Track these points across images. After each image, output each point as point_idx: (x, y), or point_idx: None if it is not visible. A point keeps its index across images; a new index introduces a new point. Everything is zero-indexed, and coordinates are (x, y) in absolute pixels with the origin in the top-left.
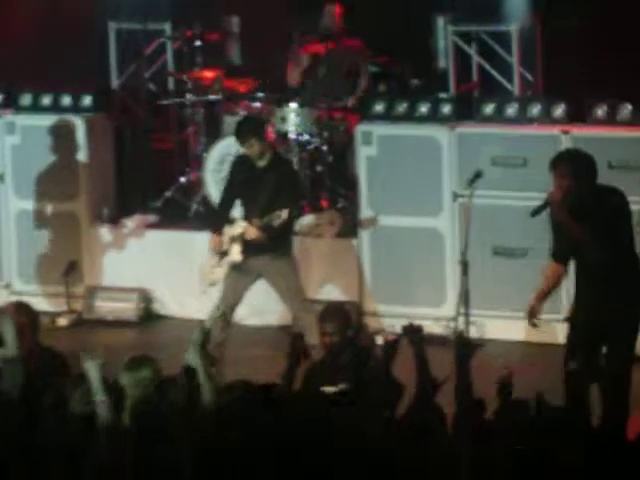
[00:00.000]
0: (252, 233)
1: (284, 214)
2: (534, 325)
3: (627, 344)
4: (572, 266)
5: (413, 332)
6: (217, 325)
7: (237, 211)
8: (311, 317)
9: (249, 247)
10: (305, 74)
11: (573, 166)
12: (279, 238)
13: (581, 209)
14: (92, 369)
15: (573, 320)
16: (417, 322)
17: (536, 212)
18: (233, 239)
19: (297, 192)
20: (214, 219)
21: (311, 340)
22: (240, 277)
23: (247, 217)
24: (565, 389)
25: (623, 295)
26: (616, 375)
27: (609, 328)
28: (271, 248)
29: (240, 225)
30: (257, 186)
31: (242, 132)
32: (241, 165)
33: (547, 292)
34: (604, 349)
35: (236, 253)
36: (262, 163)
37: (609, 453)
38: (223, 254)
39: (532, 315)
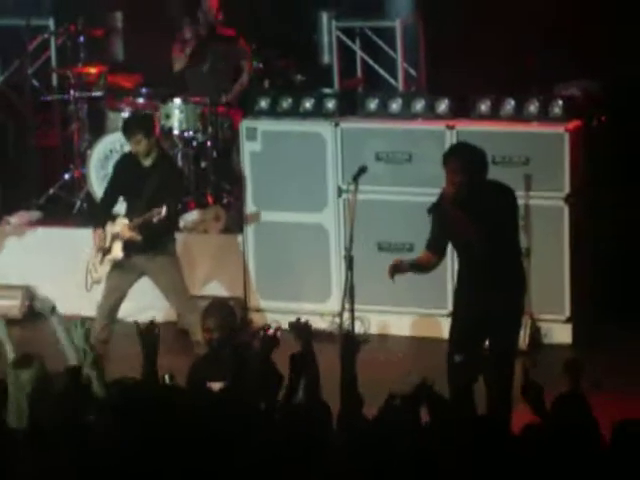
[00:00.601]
0: (126, 232)
1: (163, 211)
2: (391, 276)
3: (510, 337)
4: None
5: (300, 328)
6: (100, 323)
7: (121, 208)
8: (195, 315)
9: (131, 245)
10: (188, 68)
11: (465, 161)
12: (160, 236)
13: (471, 204)
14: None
15: (456, 313)
16: (304, 318)
17: (432, 210)
18: (114, 236)
19: (178, 190)
20: (96, 216)
21: (197, 337)
22: (122, 275)
23: (129, 215)
24: (450, 383)
25: (506, 289)
26: (500, 368)
27: (492, 322)
28: (152, 246)
29: (121, 223)
30: (141, 185)
31: (130, 128)
32: (126, 163)
33: (415, 266)
34: (486, 342)
35: (117, 251)
36: (147, 162)
37: (494, 447)
38: (106, 252)
39: (395, 269)
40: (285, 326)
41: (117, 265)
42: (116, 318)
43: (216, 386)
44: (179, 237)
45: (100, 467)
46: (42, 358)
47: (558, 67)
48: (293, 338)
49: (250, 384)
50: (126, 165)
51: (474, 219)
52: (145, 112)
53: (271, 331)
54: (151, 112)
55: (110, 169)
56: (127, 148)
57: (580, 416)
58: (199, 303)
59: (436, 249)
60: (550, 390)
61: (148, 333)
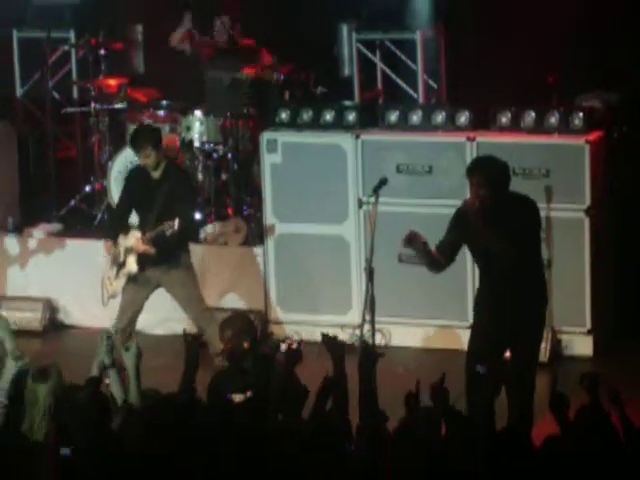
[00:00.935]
0: (140, 246)
1: (175, 224)
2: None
3: (532, 349)
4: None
5: (334, 346)
6: (118, 338)
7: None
8: (213, 326)
9: (145, 258)
10: (209, 83)
11: (488, 175)
12: (174, 248)
13: (494, 215)
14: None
15: (477, 325)
16: (337, 334)
17: (455, 216)
18: (128, 250)
19: (190, 200)
20: (109, 229)
21: (215, 349)
22: (138, 288)
23: (142, 227)
24: (469, 394)
25: (528, 301)
26: (521, 380)
27: (514, 333)
28: (166, 258)
29: (134, 236)
30: (152, 197)
31: (138, 141)
32: (137, 176)
33: (428, 252)
34: (507, 354)
35: (132, 264)
36: (157, 174)
37: (515, 459)
38: (120, 265)
39: (410, 241)
40: (306, 337)
41: (132, 279)
42: (135, 330)
43: (237, 398)
44: (199, 249)
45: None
46: (60, 369)
47: (579, 78)
48: (316, 352)
49: (273, 397)
50: (136, 178)
51: (497, 231)
52: (151, 124)
53: (294, 345)
54: (157, 124)
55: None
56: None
57: (601, 429)
58: (219, 315)
59: (445, 252)
60: (571, 402)
61: (192, 344)
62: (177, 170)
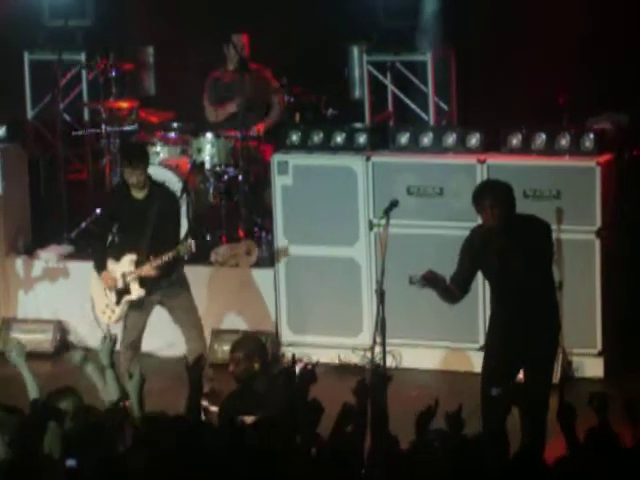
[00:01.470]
0: (149, 271)
1: (193, 246)
2: (418, 283)
3: (545, 372)
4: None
5: (362, 390)
6: (125, 359)
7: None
8: (202, 344)
9: (148, 281)
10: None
11: (498, 194)
12: (172, 271)
13: (508, 236)
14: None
15: (490, 346)
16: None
17: (468, 242)
18: (126, 275)
19: (179, 222)
20: (99, 259)
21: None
22: (141, 312)
23: (135, 251)
24: (484, 416)
25: (541, 323)
26: (536, 401)
27: (526, 355)
28: (167, 282)
29: (131, 261)
30: (140, 219)
31: (136, 157)
32: (119, 197)
33: (444, 288)
34: (520, 375)
35: (138, 290)
36: (141, 194)
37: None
38: (121, 292)
39: (427, 279)
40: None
41: (134, 304)
42: (140, 350)
43: (248, 420)
44: (210, 271)
45: None
46: (76, 391)
47: (589, 100)
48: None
49: (288, 418)
50: (119, 199)
51: (512, 252)
52: (137, 141)
53: (309, 366)
54: (169, 146)
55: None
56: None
57: (610, 450)
58: (230, 337)
59: (460, 283)
60: (582, 423)
61: (195, 367)
62: (164, 189)
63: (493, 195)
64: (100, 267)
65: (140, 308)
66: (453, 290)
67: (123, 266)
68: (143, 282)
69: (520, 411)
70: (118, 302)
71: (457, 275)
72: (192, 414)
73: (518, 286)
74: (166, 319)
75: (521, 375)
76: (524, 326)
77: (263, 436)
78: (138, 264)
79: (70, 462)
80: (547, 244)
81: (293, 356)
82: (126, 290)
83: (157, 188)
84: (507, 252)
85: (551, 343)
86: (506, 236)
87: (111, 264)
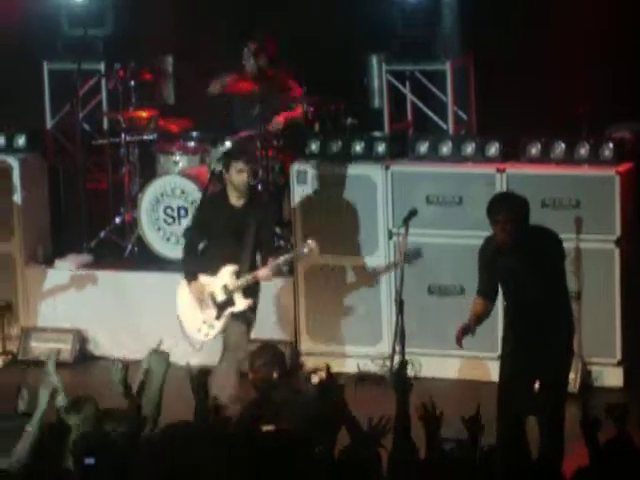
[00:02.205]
0: (265, 275)
1: (313, 246)
2: (460, 344)
3: (559, 380)
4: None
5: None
6: (232, 381)
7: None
8: (231, 381)
9: (250, 292)
10: (239, 112)
11: (513, 209)
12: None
13: (521, 248)
14: (43, 402)
15: (504, 358)
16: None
17: (482, 254)
18: (229, 287)
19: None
20: (190, 267)
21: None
22: (241, 325)
23: (233, 261)
24: (500, 426)
25: (556, 331)
26: (552, 411)
27: (540, 364)
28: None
29: (231, 272)
30: (240, 227)
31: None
32: (214, 204)
33: (478, 320)
34: (536, 385)
35: (243, 301)
36: (241, 201)
37: None
38: (222, 306)
39: (464, 333)
40: (336, 369)
41: (237, 315)
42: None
43: (267, 429)
44: None
45: None
46: (94, 400)
47: (609, 109)
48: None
49: (306, 428)
50: (214, 205)
51: (522, 266)
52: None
53: (327, 374)
54: (187, 155)
55: (162, 213)
56: (178, 192)
57: (629, 460)
58: (250, 346)
59: (487, 294)
60: (601, 433)
61: (199, 379)
62: (260, 195)
63: (507, 210)
64: (191, 277)
65: (242, 320)
66: (484, 309)
67: (223, 278)
68: (247, 292)
69: (538, 421)
70: (219, 316)
71: (482, 287)
72: (200, 422)
73: (528, 299)
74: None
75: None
76: (536, 335)
77: (279, 444)
78: (239, 275)
79: (88, 460)
80: (557, 255)
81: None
82: (229, 302)
83: (256, 196)
84: (516, 266)
85: (563, 352)
86: (516, 251)
87: (206, 278)
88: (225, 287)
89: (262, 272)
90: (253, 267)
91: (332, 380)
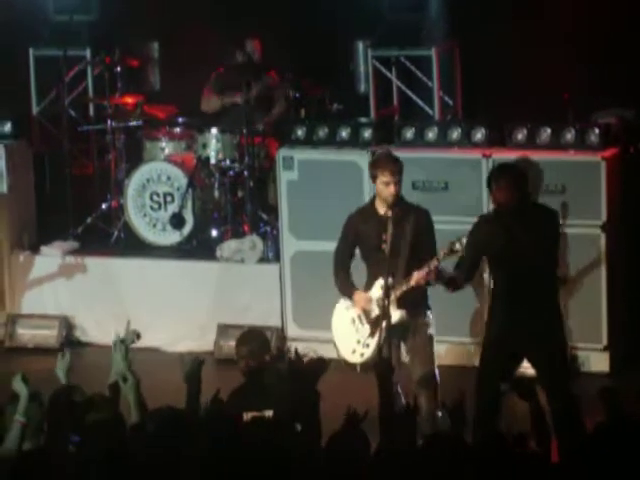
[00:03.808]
0: (420, 278)
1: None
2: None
3: (557, 357)
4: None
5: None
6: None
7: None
8: (430, 393)
9: (403, 303)
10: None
11: (515, 175)
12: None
13: (522, 220)
14: (23, 390)
15: (490, 340)
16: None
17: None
18: (381, 301)
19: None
20: (346, 285)
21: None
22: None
23: (386, 273)
24: (477, 410)
25: (546, 312)
26: (556, 390)
27: (531, 341)
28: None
29: (382, 286)
30: (392, 238)
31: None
32: (367, 217)
33: (452, 279)
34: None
35: (397, 313)
36: (390, 212)
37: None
38: (376, 322)
39: (438, 276)
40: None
41: (394, 329)
42: None
43: (248, 416)
44: (215, 267)
45: None
46: (80, 386)
47: (594, 95)
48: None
49: (294, 413)
50: (366, 220)
51: (524, 234)
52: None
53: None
54: (173, 141)
55: (148, 199)
56: (164, 178)
57: (620, 444)
58: (236, 332)
59: (464, 271)
60: (588, 418)
61: (192, 367)
62: (414, 205)
63: (511, 175)
64: (351, 290)
65: (399, 334)
66: (456, 278)
67: (375, 293)
68: (401, 303)
69: (530, 406)
70: (372, 334)
71: (464, 262)
72: (191, 410)
73: (527, 268)
74: (175, 314)
75: (530, 370)
76: (528, 310)
77: (265, 433)
78: (393, 286)
79: (74, 438)
80: (556, 232)
81: (296, 350)
82: (384, 316)
83: (405, 204)
84: (519, 234)
85: (558, 332)
86: (519, 219)
87: (359, 295)
88: (377, 301)
89: (416, 277)
90: (408, 276)
91: (301, 362)
